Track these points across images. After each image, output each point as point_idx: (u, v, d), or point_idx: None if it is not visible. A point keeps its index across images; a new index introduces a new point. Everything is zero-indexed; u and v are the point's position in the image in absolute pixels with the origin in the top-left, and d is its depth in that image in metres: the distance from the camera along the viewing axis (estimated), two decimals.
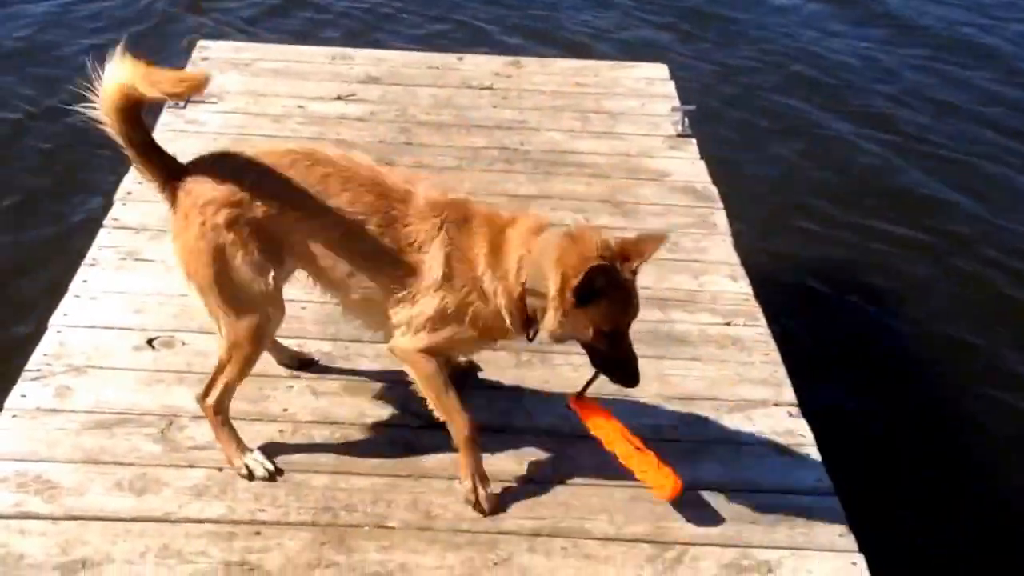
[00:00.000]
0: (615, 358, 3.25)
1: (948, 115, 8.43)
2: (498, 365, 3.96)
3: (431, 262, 3.22)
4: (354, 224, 3.21)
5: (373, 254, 3.24)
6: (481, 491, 3.35)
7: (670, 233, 3.34)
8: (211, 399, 3.39)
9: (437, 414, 3.37)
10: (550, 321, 3.16)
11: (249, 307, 3.27)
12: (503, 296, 3.22)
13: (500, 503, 3.38)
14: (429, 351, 3.30)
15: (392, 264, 3.24)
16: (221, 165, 3.27)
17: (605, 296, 3.10)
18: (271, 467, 3.42)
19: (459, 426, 3.34)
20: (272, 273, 3.26)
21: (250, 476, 3.40)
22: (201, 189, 3.20)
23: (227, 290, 3.24)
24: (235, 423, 3.57)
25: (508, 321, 3.26)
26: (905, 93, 8.69)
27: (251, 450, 3.45)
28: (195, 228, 3.19)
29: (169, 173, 3.24)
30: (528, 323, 3.26)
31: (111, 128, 3.14)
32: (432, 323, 3.26)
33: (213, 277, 3.22)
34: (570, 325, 3.15)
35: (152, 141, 3.24)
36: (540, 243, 3.19)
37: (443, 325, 3.27)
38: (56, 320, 3.97)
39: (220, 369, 3.37)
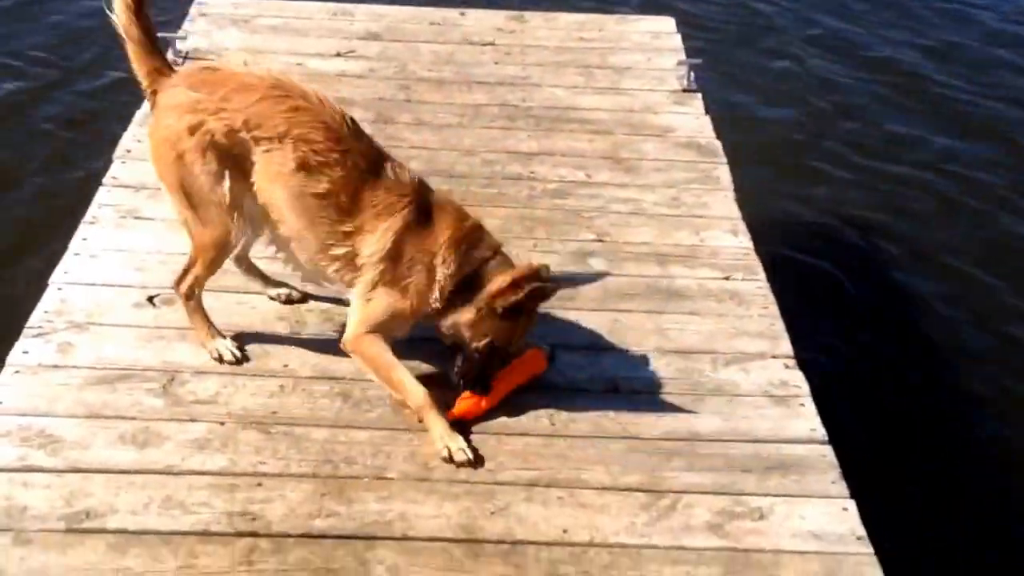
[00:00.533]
0: (483, 368, 3.47)
1: (957, 60, 8.36)
2: None
3: (383, 233, 3.37)
4: (311, 166, 3.34)
5: (322, 201, 3.37)
6: (454, 447, 3.38)
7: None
8: (183, 287, 3.65)
9: (389, 391, 3.50)
10: (465, 315, 3.40)
11: (207, 215, 3.47)
12: (446, 279, 3.40)
13: (496, 455, 3.41)
14: (372, 331, 3.46)
15: (339, 218, 3.38)
16: (202, 75, 3.47)
17: (522, 316, 3.42)
18: (238, 354, 3.68)
19: (415, 398, 3.43)
20: (227, 186, 3.40)
21: (220, 359, 3.66)
22: (174, 93, 3.41)
23: (188, 195, 3.46)
24: (235, 379, 3.64)
25: (437, 301, 3.42)
26: (912, 44, 8.62)
27: (223, 336, 3.71)
28: (161, 130, 3.43)
29: (158, 74, 3.47)
30: (444, 310, 3.45)
31: (116, 16, 3.43)
32: (374, 296, 3.43)
33: (175, 180, 3.45)
34: (478, 328, 3.40)
35: (152, 40, 3.49)
36: (499, 254, 3.48)
37: (383, 299, 3.43)
38: (56, 278, 4.00)
39: (191, 264, 3.61)
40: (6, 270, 5.51)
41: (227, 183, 3.41)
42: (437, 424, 3.41)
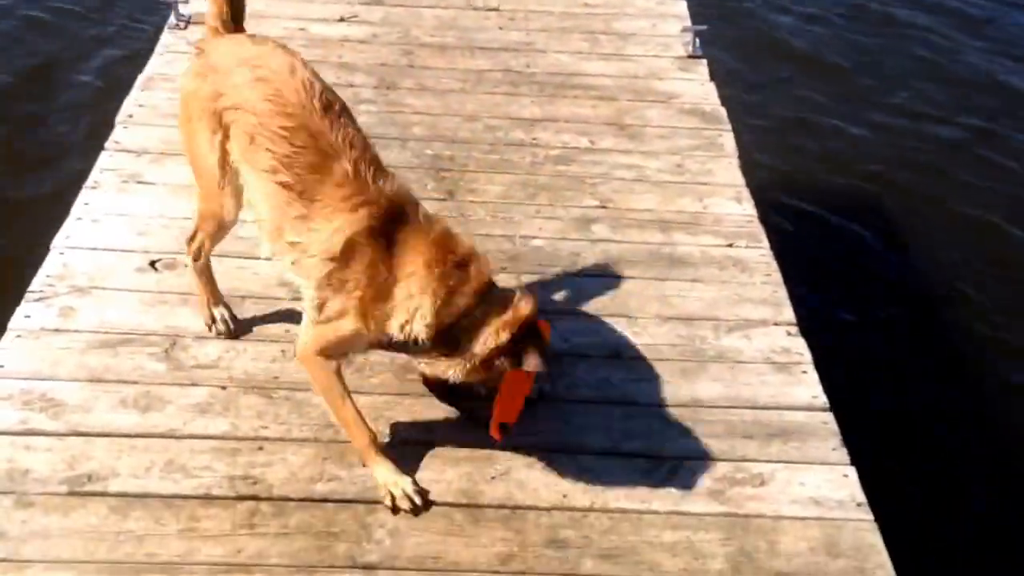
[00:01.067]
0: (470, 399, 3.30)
1: (967, 28, 8.30)
2: None
3: (333, 233, 2.99)
4: (256, 140, 3.12)
5: (271, 178, 3.09)
6: (398, 492, 3.12)
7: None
8: (191, 248, 3.58)
9: (334, 421, 3.24)
10: (452, 369, 3.07)
11: (206, 184, 3.38)
12: (420, 325, 2.99)
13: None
14: (323, 352, 3.12)
15: (288, 200, 3.06)
16: (229, 43, 3.35)
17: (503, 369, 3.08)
18: (232, 326, 3.64)
19: (359, 438, 3.18)
20: (218, 158, 3.27)
21: (210, 327, 3.63)
22: (199, 59, 3.32)
23: (192, 158, 3.39)
24: (237, 343, 3.64)
25: (400, 338, 3.04)
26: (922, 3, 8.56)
27: (224, 306, 3.67)
28: (182, 91, 3.35)
29: (214, 33, 3.38)
30: (409, 346, 3.07)
31: None
32: (325, 306, 3.07)
33: (185, 141, 3.39)
34: (473, 378, 3.11)
35: (240, 6, 3.43)
36: (487, 295, 3.03)
37: (334, 311, 3.06)
38: (58, 242, 3.99)
39: (198, 225, 3.55)
40: (8, 234, 5.50)
41: (218, 154, 3.27)
42: (381, 467, 3.16)
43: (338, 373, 3.17)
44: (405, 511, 3.11)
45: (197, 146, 3.32)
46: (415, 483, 3.17)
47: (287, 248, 3.13)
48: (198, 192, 3.46)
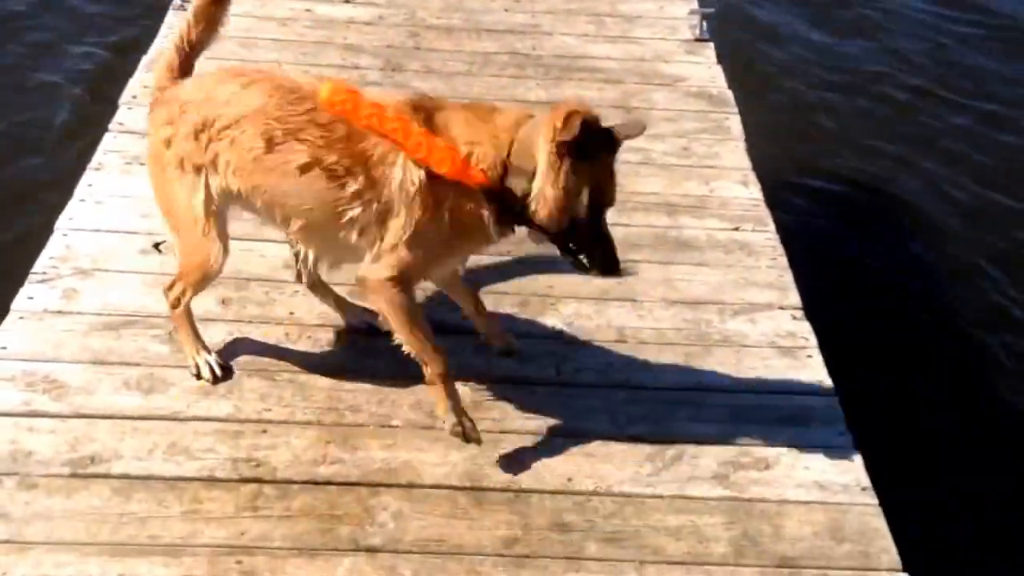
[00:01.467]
0: (597, 238, 2.97)
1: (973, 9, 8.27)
2: (501, 273, 3.96)
3: (397, 172, 2.95)
4: (279, 139, 3.00)
5: (311, 172, 2.99)
6: (467, 422, 3.15)
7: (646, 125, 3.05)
8: (171, 295, 3.38)
9: (407, 350, 3.12)
10: (545, 186, 2.87)
11: (188, 235, 3.21)
12: (485, 175, 2.94)
13: (502, 404, 3.40)
14: (402, 276, 3.04)
15: (337, 182, 2.98)
16: (190, 81, 3.21)
17: (596, 158, 2.88)
18: (219, 372, 3.41)
19: (433, 364, 3.11)
20: (201, 198, 3.12)
21: (197, 375, 3.40)
22: (161, 105, 3.18)
23: (169, 209, 3.22)
24: (242, 326, 3.63)
25: (486, 213, 2.98)
26: None
27: (209, 352, 3.44)
28: (150, 146, 3.23)
29: (169, 82, 3.22)
30: (508, 212, 2.98)
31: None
32: (405, 239, 3.00)
33: (160, 197, 3.24)
34: (565, 190, 2.86)
35: (195, 51, 3.25)
36: (527, 123, 2.96)
37: (418, 237, 3.00)
38: (62, 224, 3.99)
39: (179, 277, 3.35)
40: (10, 215, 5.49)
41: (202, 195, 3.12)
42: (449, 396, 3.13)
43: (413, 297, 3.11)
44: (473, 439, 3.14)
45: (174, 194, 3.16)
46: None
47: (349, 224, 3.02)
48: (178, 247, 3.29)
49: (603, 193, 2.94)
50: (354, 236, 3.06)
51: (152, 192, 3.27)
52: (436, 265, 3.19)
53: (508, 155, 2.93)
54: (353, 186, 2.98)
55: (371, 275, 3.06)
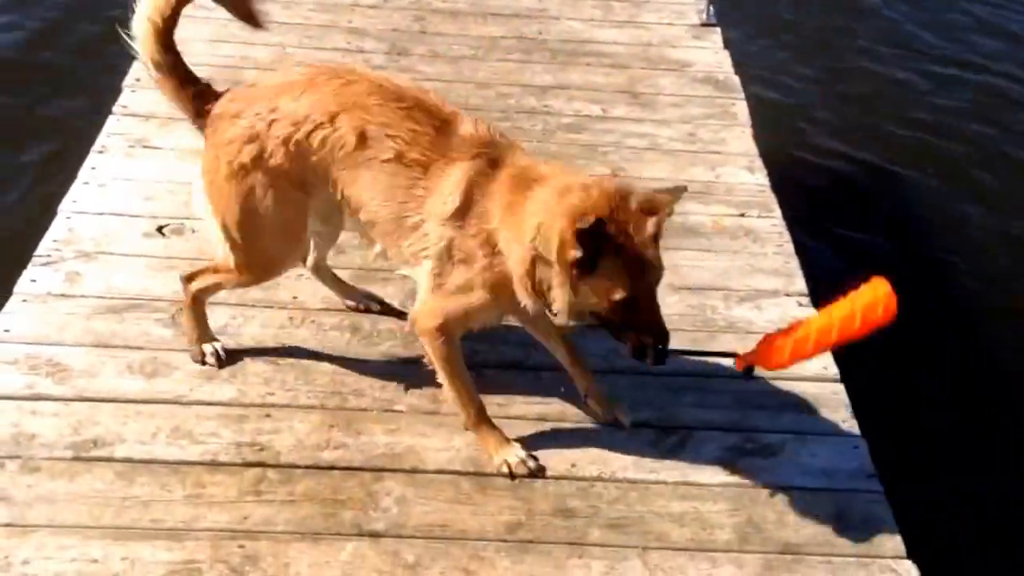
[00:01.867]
0: (639, 331, 2.80)
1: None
2: None
3: (449, 192, 2.93)
4: (371, 134, 2.98)
5: (393, 167, 2.98)
6: (513, 459, 3.14)
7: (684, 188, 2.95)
8: (194, 287, 3.34)
9: (445, 395, 3.17)
10: (559, 299, 2.81)
11: (270, 243, 3.18)
12: (517, 261, 2.87)
13: (507, 390, 3.39)
14: (446, 327, 3.05)
15: (411, 182, 2.98)
16: (244, 96, 3.11)
17: (611, 258, 2.70)
18: (223, 357, 3.40)
19: (469, 413, 3.17)
20: (297, 207, 3.11)
21: (201, 360, 3.40)
22: (224, 126, 3.05)
23: (252, 228, 3.13)
24: (244, 310, 3.62)
25: (520, 289, 2.90)
26: None
27: (215, 340, 3.44)
28: (223, 168, 3.06)
29: (202, 102, 3.12)
30: (540, 294, 2.89)
31: (139, 45, 3.11)
32: (449, 272, 3.00)
33: (239, 216, 3.10)
34: (581, 298, 2.77)
35: (184, 67, 3.15)
36: (556, 204, 2.78)
37: (460, 277, 2.99)
38: (65, 207, 3.98)
39: (215, 270, 3.30)
40: (14, 198, 5.48)
41: (301, 203, 3.10)
42: (492, 438, 3.16)
43: (458, 347, 3.12)
44: (522, 476, 3.12)
45: (264, 209, 3.07)
46: (524, 448, 3.18)
47: (407, 231, 3.02)
48: (241, 251, 3.17)
49: (626, 287, 2.73)
50: (406, 244, 3.07)
51: (216, 206, 3.14)
52: (478, 320, 3.13)
53: (536, 245, 2.81)
54: (420, 189, 2.99)
55: (420, 321, 3.11)
